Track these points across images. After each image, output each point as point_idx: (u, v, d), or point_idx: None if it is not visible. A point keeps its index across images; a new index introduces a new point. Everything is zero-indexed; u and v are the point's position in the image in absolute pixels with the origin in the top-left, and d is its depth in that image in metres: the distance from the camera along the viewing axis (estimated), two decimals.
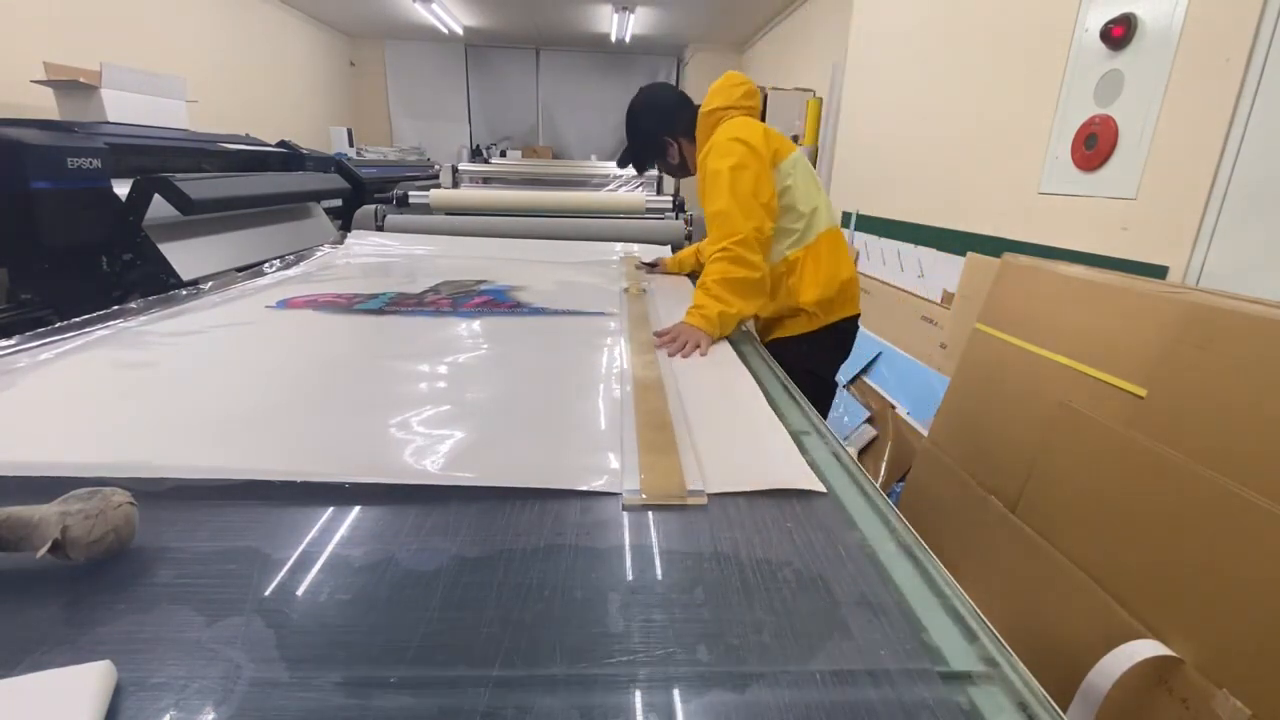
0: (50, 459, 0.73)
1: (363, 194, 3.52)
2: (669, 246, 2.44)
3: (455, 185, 3.79)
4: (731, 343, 1.35)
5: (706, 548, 0.63)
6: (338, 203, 3.56)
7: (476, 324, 1.39)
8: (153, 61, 4.10)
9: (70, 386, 0.98)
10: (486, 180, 4.14)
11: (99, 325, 1.28)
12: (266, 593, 0.55)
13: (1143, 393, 1.24)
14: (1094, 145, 1.97)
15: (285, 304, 1.49)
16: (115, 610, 0.52)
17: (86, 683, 0.43)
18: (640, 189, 3.49)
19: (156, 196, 2.08)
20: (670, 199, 2.87)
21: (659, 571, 0.59)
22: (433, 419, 0.87)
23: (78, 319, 1.31)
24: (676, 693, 0.46)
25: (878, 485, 0.82)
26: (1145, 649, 1.04)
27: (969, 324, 1.86)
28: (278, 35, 6.76)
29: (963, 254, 2.56)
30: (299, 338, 1.28)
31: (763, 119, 1.69)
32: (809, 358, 1.63)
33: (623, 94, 1.80)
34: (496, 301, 1.57)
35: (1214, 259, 1.63)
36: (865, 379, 2.95)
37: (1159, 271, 1.74)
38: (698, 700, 0.45)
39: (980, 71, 2.61)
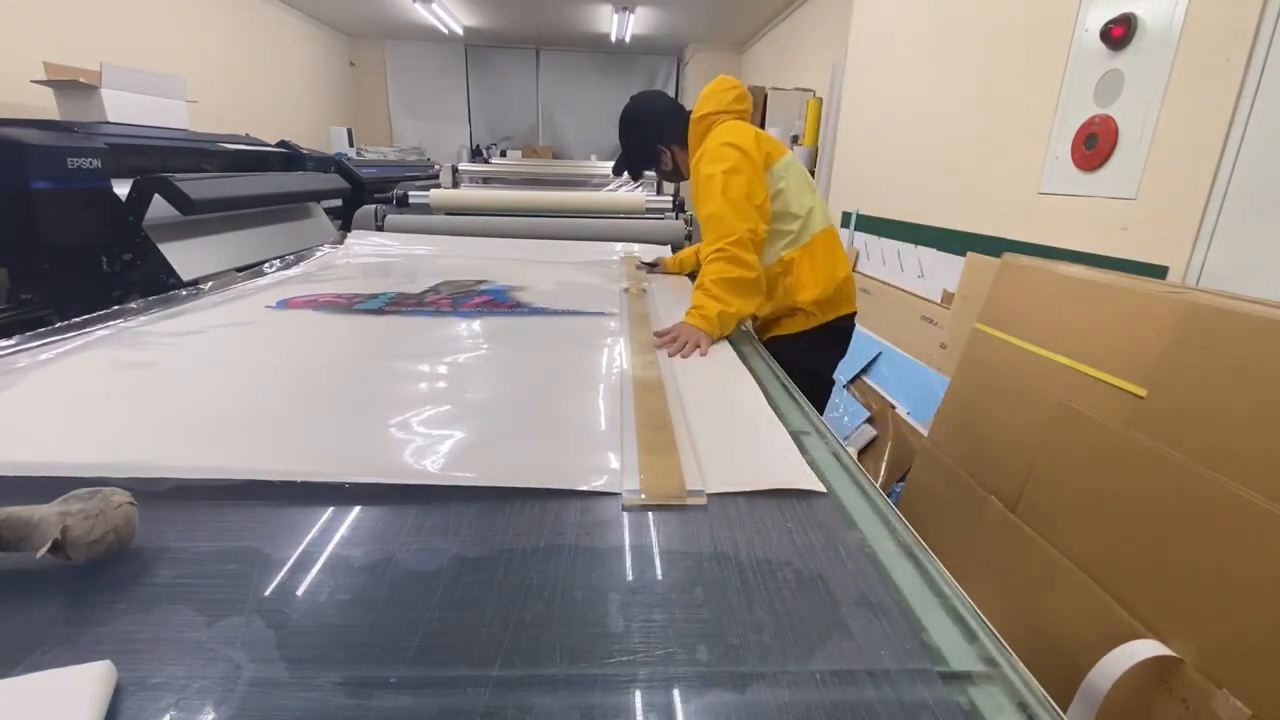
0: (50, 459, 0.73)
1: (363, 194, 3.52)
2: (669, 246, 2.44)
3: (455, 185, 3.79)
4: (731, 343, 1.35)
5: (706, 548, 0.63)
6: (338, 203, 3.56)
7: (476, 324, 1.39)
8: (153, 61, 4.10)
9: (70, 386, 0.98)
10: (486, 180, 4.15)
11: (99, 325, 1.28)
12: (266, 593, 0.55)
13: (1143, 393, 1.23)
14: (1094, 145, 1.97)
15: (285, 304, 1.49)
16: (115, 610, 0.52)
17: (86, 683, 0.43)
18: (640, 189, 3.49)
19: (156, 196, 2.08)
20: (670, 199, 2.87)
21: (659, 571, 0.59)
22: (433, 419, 0.87)
23: (78, 319, 1.31)
24: (676, 693, 0.46)
25: (878, 485, 0.82)
26: (1145, 649, 1.04)
27: (969, 324, 1.86)
28: (278, 35, 6.76)
29: (963, 254, 2.56)
30: (299, 338, 1.28)
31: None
32: (807, 356, 1.64)
33: (623, 94, 1.80)
34: (496, 301, 1.57)
35: (1214, 259, 1.63)
36: (865, 379, 2.95)
37: (1159, 271, 1.74)
38: (698, 700, 0.45)
39: (980, 71, 2.61)
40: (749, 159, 1.49)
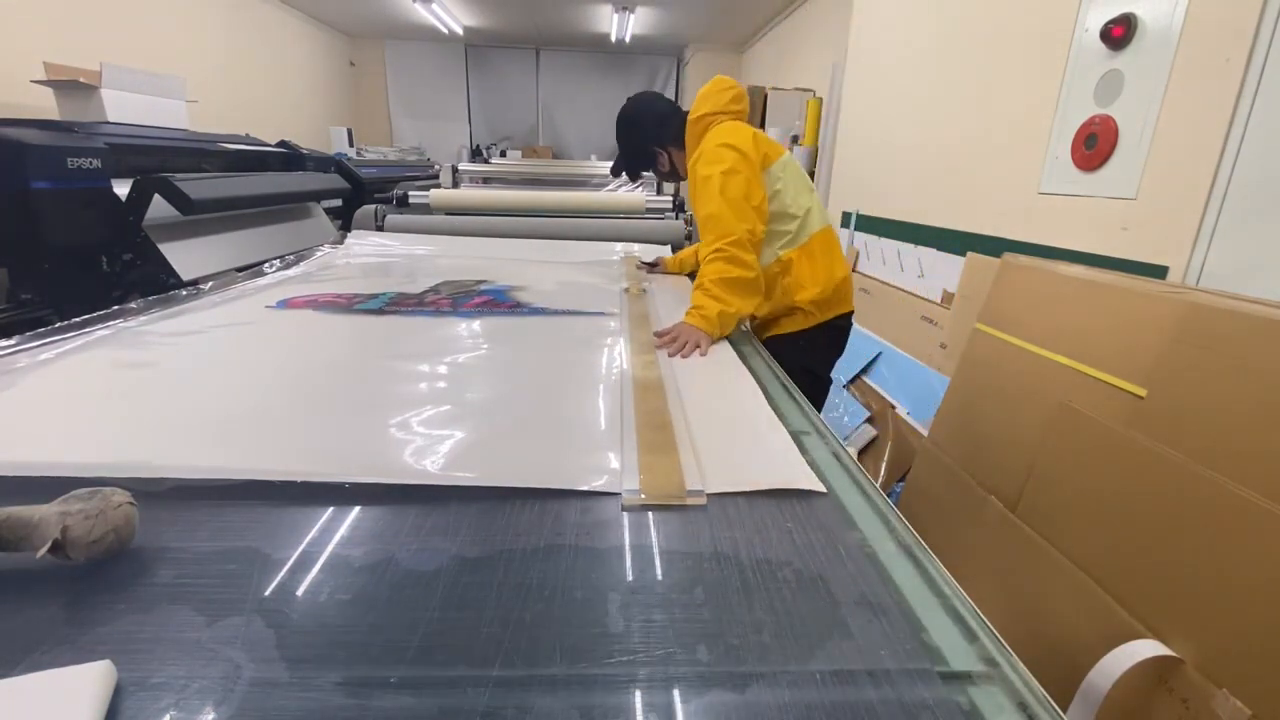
0: (50, 459, 0.73)
1: (363, 194, 3.52)
2: (669, 246, 2.44)
3: (455, 185, 3.79)
4: (731, 343, 1.35)
5: (706, 548, 0.63)
6: (338, 203, 3.56)
7: (476, 324, 1.39)
8: (153, 61, 4.10)
9: (70, 386, 0.98)
10: (486, 180, 4.14)
11: (99, 325, 1.28)
12: (266, 593, 0.55)
13: (1143, 393, 1.23)
14: (1094, 145, 1.97)
15: (285, 304, 1.50)
16: (115, 610, 0.52)
17: (86, 683, 0.43)
18: (640, 189, 3.49)
19: (156, 196, 2.08)
20: (670, 199, 2.87)
21: (659, 571, 0.59)
22: (433, 419, 0.87)
23: (78, 319, 1.31)
24: (676, 693, 0.46)
25: (878, 485, 0.82)
26: (1145, 649, 1.04)
27: (969, 324, 1.86)
28: (278, 35, 6.76)
29: (963, 254, 2.56)
30: (299, 338, 1.28)
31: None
32: (805, 355, 1.64)
33: (623, 94, 1.80)
34: (496, 301, 1.57)
35: (1214, 259, 1.63)
36: (865, 379, 2.95)
37: (1159, 271, 1.74)
38: (698, 700, 0.45)
39: (980, 71, 2.61)
40: (746, 160, 1.50)
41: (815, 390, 1.75)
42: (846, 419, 2.76)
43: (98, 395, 0.94)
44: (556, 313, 1.49)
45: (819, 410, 1.47)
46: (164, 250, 2.16)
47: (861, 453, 2.58)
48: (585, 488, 0.71)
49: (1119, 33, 1.88)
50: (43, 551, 0.52)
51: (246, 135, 3.47)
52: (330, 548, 0.61)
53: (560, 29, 7.84)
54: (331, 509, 0.67)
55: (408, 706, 0.44)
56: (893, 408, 2.63)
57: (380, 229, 2.54)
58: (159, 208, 2.10)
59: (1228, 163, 1.59)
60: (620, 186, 3.67)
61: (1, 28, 3.70)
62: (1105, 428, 1.28)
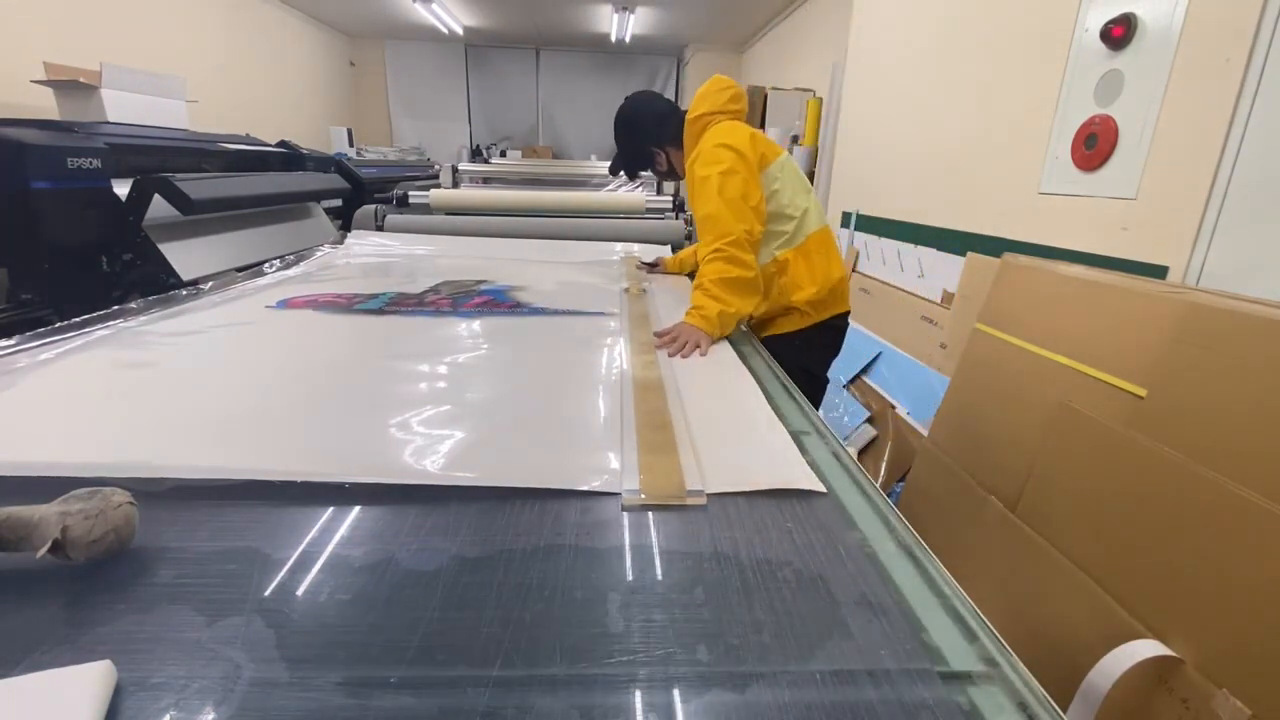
0: (50, 459, 0.73)
1: (363, 194, 3.52)
2: (669, 246, 2.44)
3: (455, 185, 3.78)
4: (731, 343, 1.35)
5: (706, 548, 0.63)
6: (338, 203, 3.56)
7: (476, 324, 1.39)
8: (153, 61, 4.10)
9: (70, 386, 0.98)
10: (486, 180, 4.14)
11: (99, 325, 1.28)
12: (266, 593, 0.55)
13: (1143, 393, 1.23)
14: (1094, 145, 1.97)
15: (285, 304, 1.49)
16: (115, 610, 0.52)
17: (86, 683, 0.43)
18: (640, 189, 3.49)
19: (156, 196, 2.08)
20: (670, 199, 2.87)
21: (659, 571, 0.59)
22: (433, 419, 0.87)
23: (78, 319, 1.31)
24: (676, 693, 0.46)
25: (878, 485, 0.82)
26: (1145, 649, 1.04)
27: (969, 324, 1.86)
28: (278, 35, 6.76)
29: (963, 254, 2.56)
30: (299, 338, 1.28)
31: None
32: (802, 355, 1.64)
33: (622, 94, 1.80)
34: (496, 301, 1.57)
35: (1214, 259, 1.63)
36: (865, 379, 2.95)
37: (1159, 271, 1.74)
38: (698, 700, 0.45)
39: (980, 71, 2.61)
40: (744, 160, 1.49)
41: (812, 390, 1.75)
42: (846, 419, 2.76)
43: (98, 395, 0.94)
44: (556, 313, 1.49)
45: (816, 408, 1.48)
46: (164, 250, 2.16)
47: (861, 453, 2.58)
48: (585, 488, 0.71)
49: (1119, 33, 1.88)
50: (43, 551, 0.52)
51: (246, 135, 3.47)
52: (330, 548, 0.61)
53: (560, 29, 7.84)
54: (331, 509, 0.67)
55: (408, 706, 0.44)
56: (893, 408, 2.63)
57: (380, 229, 2.54)
58: (159, 208, 2.10)
59: (1228, 163, 1.59)
60: (620, 186, 3.67)
61: (1, 28, 3.70)
62: (1105, 428, 1.28)
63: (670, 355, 1.23)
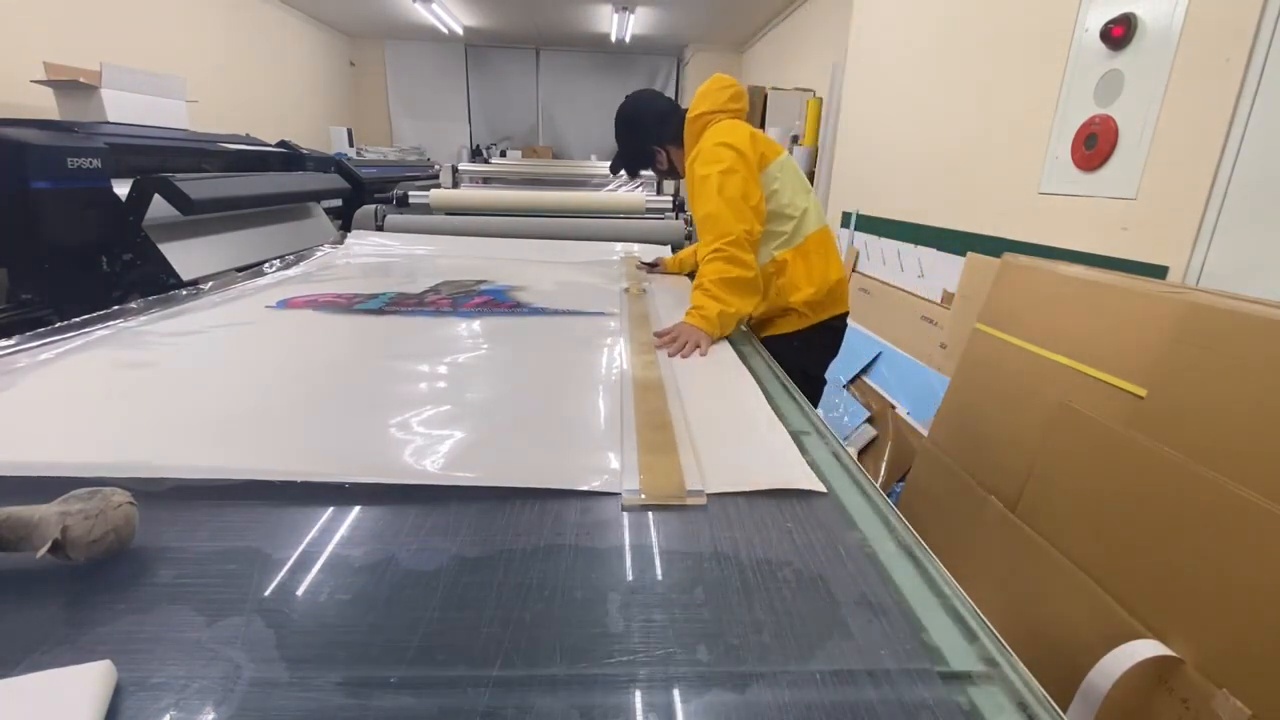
0: (50, 459, 0.73)
1: (363, 194, 3.52)
2: (669, 246, 2.44)
3: (455, 185, 3.78)
4: (731, 343, 1.35)
5: (706, 548, 0.63)
6: (338, 203, 3.56)
7: (476, 324, 1.39)
8: (153, 61, 4.10)
9: (70, 386, 0.98)
10: (486, 180, 4.14)
11: (99, 325, 1.28)
12: (266, 593, 0.55)
13: (1143, 393, 1.23)
14: (1094, 145, 1.97)
15: (285, 304, 1.49)
16: (115, 610, 0.52)
17: (86, 683, 0.43)
18: (640, 189, 3.49)
19: (156, 196, 2.08)
20: (670, 199, 2.87)
21: (659, 571, 0.59)
22: (433, 419, 0.87)
23: (78, 319, 1.31)
24: (676, 693, 0.46)
25: (878, 485, 0.82)
26: (1145, 649, 1.04)
27: (969, 324, 1.86)
28: (278, 35, 6.76)
29: (963, 254, 2.56)
30: (299, 338, 1.28)
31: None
32: (800, 356, 1.64)
33: (622, 94, 1.80)
34: (496, 301, 1.57)
35: (1214, 259, 1.63)
36: (865, 379, 2.95)
37: (1159, 271, 1.74)
38: (698, 700, 0.45)
39: (980, 71, 2.61)
40: (744, 159, 1.49)
41: (810, 390, 1.75)
42: (846, 419, 2.76)
43: (98, 395, 0.94)
44: (556, 313, 1.49)
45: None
46: (164, 250, 2.16)
47: (861, 453, 2.58)
48: (585, 488, 0.71)
49: (1119, 33, 1.88)
50: (43, 551, 0.52)
51: (246, 135, 3.47)
52: (330, 548, 0.61)
53: (560, 29, 7.84)
54: (331, 509, 0.67)
55: (408, 706, 0.44)
56: (893, 408, 2.63)
57: (380, 229, 2.54)
58: (159, 208, 2.10)
59: (1228, 163, 1.59)
60: (620, 186, 3.67)
61: (1, 28, 3.70)
62: (1105, 428, 1.28)
63: (670, 355, 1.23)
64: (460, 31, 7.99)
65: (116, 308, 1.42)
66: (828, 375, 1.85)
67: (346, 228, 2.62)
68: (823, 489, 0.74)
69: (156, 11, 4.93)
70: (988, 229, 2.51)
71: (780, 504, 0.71)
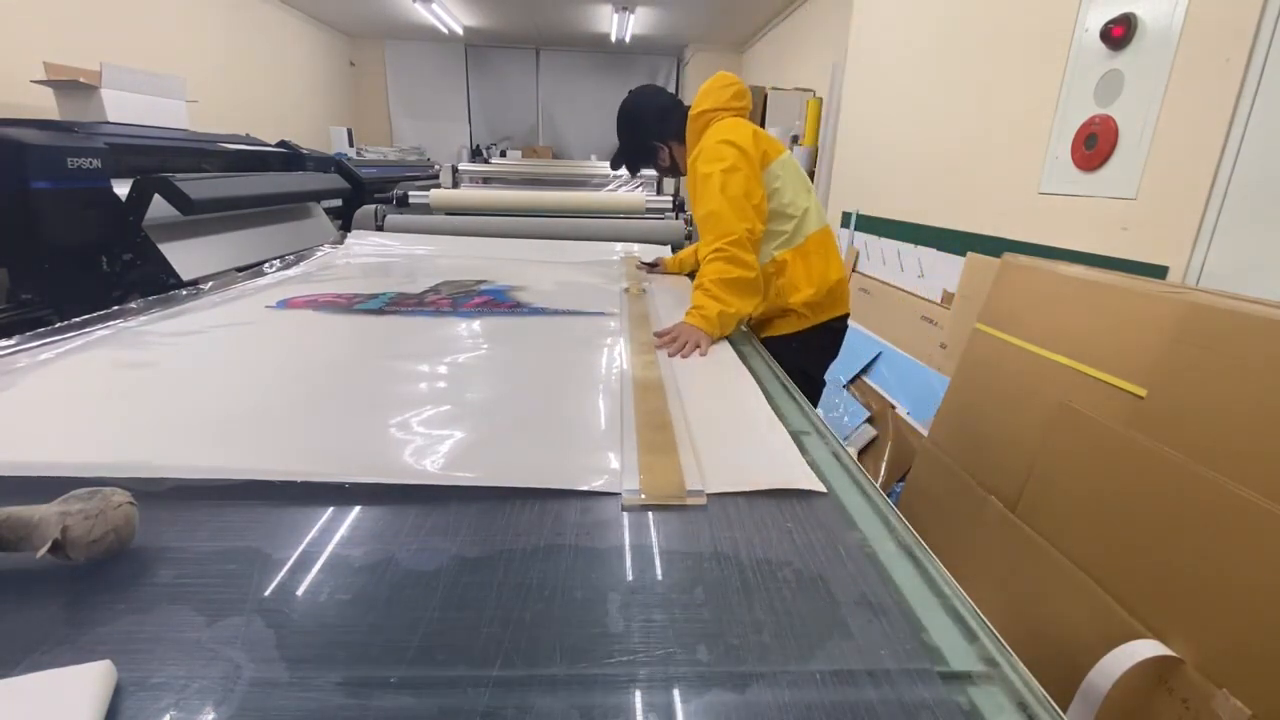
0: (50, 459, 0.73)
1: (363, 194, 3.52)
2: (669, 246, 2.44)
3: (455, 185, 3.78)
4: (731, 343, 1.35)
5: (706, 548, 0.63)
6: (338, 203, 3.56)
7: (476, 324, 1.39)
8: (153, 61, 4.10)
9: (70, 386, 0.98)
10: (486, 180, 4.14)
11: (99, 325, 1.28)
12: (266, 593, 0.55)
13: (1143, 393, 1.23)
14: (1094, 145, 1.97)
15: (285, 304, 1.49)
16: (115, 610, 0.52)
17: (86, 683, 0.43)
18: (640, 188, 3.49)
19: (156, 196, 2.08)
20: (670, 199, 2.87)
21: (659, 571, 0.59)
22: (433, 419, 0.87)
23: (78, 319, 1.31)
24: (676, 693, 0.46)
25: (878, 485, 0.82)
26: (1145, 649, 1.04)
27: (969, 324, 1.86)
28: (278, 35, 6.76)
29: (963, 254, 2.56)
30: (299, 338, 1.28)
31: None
32: (799, 357, 1.63)
33: (622, 94, 1.80)
34: (496, 301, 1.57)
35: (1214, 259, 1.63)
36: (865, 379, 2.95)
37: (1159, 271, 1.74)
38: (698, 700, 0.45)
39: (980, 71, 2.61)
40: (746, 157, 1.49)
41: (810, 391, 1.74)
42: (846, 419, 2.76)
43: (98, 395, 0.94)
44: (556, 313, 1.49)
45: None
46: (164, 250, 2.16)
47: (861, 453, 2.58)
48: (585, 488, 0.71)
49: (1119, 33, 1.88)
50: (43, 551, 0.52)
51: (246, 135, 3.47)
52: (330, 548, 0.61)
53: (560, 29, 7.84)
54: (331, 509, 0.67)
55: (408, 706, 0.44)
56: (893, 408, 2.63)
57: (380, 229, 2.54)
58: (159, 208, 2.10)
59: (1228, 163, 1.59)
60: (620, 185, 3.67)
61: (1, 28, 3.70)
62: (1105, 428, 1.28)
63: (670, 355, 1.23)
64: (460, 31, 7.99)
65: (116, 308, 1.42)
66: (827, 376, 1.85)
67: (346, 228, 2.62)
68: (823, 489, 0.74)
69: (156, 11, 4.93)
70: (988, 229, 2.51)
71: (780, 504, 0.71)
